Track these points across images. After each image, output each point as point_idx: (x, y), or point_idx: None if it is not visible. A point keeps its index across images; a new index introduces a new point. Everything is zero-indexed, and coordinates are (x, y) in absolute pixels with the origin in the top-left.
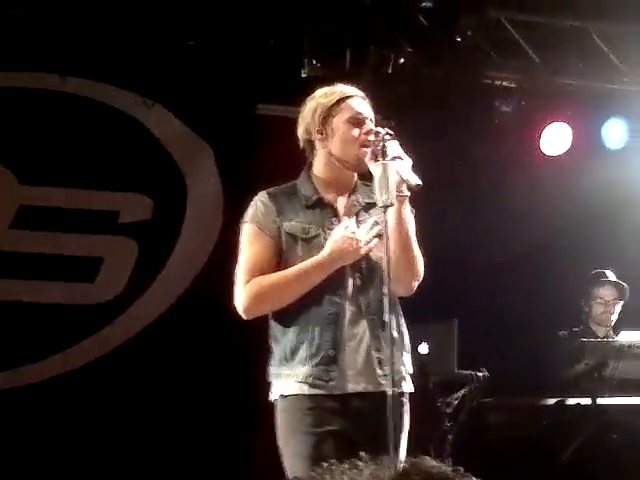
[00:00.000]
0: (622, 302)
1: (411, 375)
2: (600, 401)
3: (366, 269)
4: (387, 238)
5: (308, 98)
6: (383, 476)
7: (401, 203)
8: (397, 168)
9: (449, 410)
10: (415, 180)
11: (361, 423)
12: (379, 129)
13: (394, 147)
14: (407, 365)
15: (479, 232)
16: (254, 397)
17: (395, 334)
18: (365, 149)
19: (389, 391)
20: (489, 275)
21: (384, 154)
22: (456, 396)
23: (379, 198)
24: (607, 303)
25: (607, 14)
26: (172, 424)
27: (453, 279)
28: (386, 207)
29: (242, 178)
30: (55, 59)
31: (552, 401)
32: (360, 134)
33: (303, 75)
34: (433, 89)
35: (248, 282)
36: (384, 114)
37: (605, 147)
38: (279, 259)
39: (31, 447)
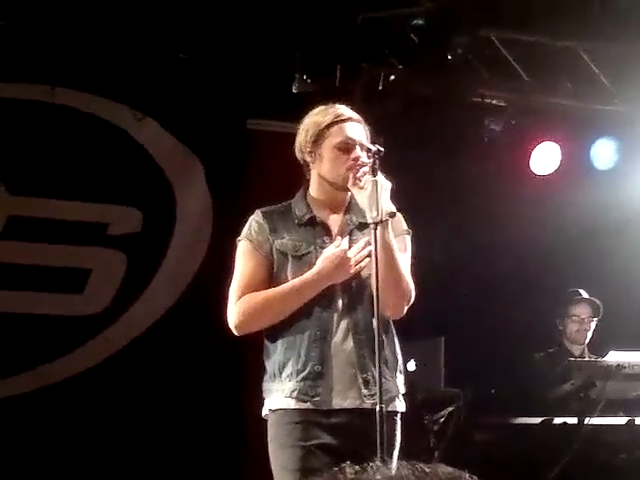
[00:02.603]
0: (596, 319)
1: (404, 395)
2: (587, 421)
3: (356, 288)
4: (375, 258)
5: (305, 116)
6: (403, 476)
7: (383, 228)
8: (380, 193)
9: (435, 427)
10: (390, 208)
11: (348, 438)
12: (370, 145)
13: (385, 180)
14: (399, 386)
15: (467, 250)
16: (244, 410)
17: (386, 354)
18: (352, 174)
19: (377, 408)
20: (476, 293)
21: (374, 171)
22: (442, 413)
23: (369, 214)
24: (582, 321)
25: (598, 35)
26: (161, 436)
27: (440, 296)
28: (376, 224)
29: (232, 192)
30: (45, 70)
31: (538, 420)
32: (348, 160)
33: (294, 90)
34: (423, 106)
35: (239, 299)
36: (374, 131)
37: (594, 167)
38: (271, 276)
39: (21, 456)
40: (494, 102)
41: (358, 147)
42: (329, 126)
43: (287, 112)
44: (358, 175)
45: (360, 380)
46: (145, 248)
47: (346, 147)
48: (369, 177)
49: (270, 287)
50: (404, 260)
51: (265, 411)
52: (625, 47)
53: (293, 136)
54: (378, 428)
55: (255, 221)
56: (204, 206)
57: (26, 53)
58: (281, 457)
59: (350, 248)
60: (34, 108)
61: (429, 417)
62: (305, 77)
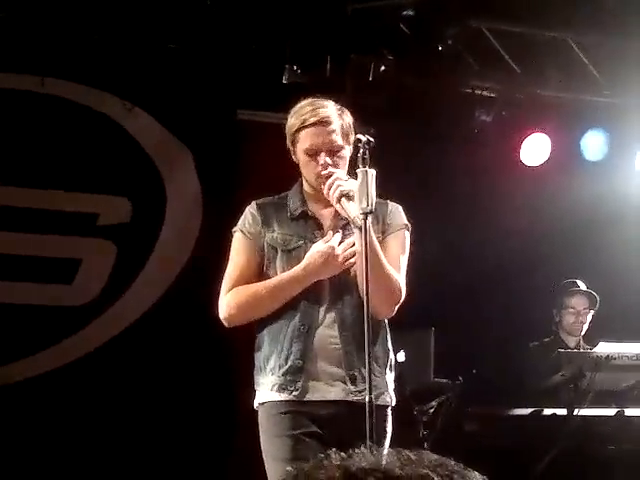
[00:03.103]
0: (593, 311)
1: (394, 390)
2: (576, 412)
3: (344, 284)
4: (365, 250)
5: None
6: (389, 462)
7: (366, 228)
8: (345, 206)
9: (425, 418)
10: (358, 220)
11: (336, 429)
12: (359, 136)
13: (349, 184)
14: (389, 382)
15: (458, 241)
16: (235, 401)
17: (377, 351)
18: (320, 180)
19: (366, 399)
20: (466, 284)
21: (364, 161)
22: (432, 404)
23: (359, 205)
24: (578, 313)
25: (588, 26)
26: (151, 427)
27: (430, 288)
28: (366, 214)
29: (221, 182)
30: (35, 61)
31: (528, 411)
32: (316, 166)
33: (284, 81)
34: (414, 97)
35: (229, 291)
36: (364, 121)
37: (584, 158)
38: (262, 269)
39: (11, 445)
40: (484, 93)
41: (323, 154)
42: (298, 131)
43: (277, 103)
44: (327, 183)
45: (346, 377)
46: (135, 238)
47: (313, 153)
48: (360, 168)
49: (262, 279)
50: (398, 257)
51: (255, 404)
52: (615, 38)
53: (283, 127)
54: (367, 419)
55: (250, 212)
56: (194, 196)
57: (16, 44)
58: (271, 448)
59: (341, 243)
60: (24, 98)
61: (419, 408)
62: (295, 68)
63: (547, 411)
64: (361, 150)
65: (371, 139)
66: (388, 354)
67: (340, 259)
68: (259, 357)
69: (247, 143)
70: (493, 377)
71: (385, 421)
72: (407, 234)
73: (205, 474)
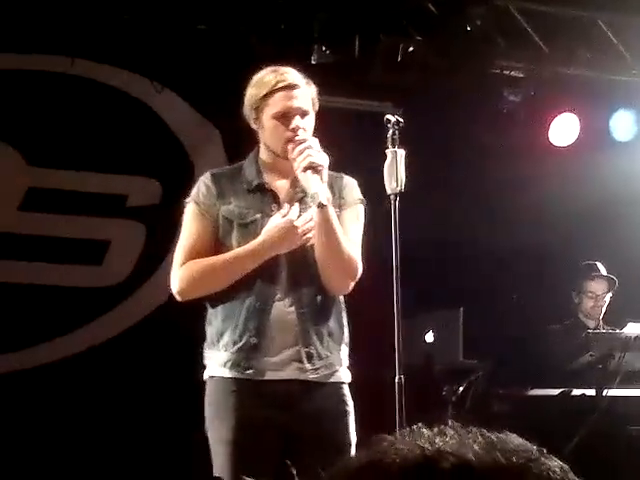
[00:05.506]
0: (611, 293)
1: (348, 367)
2: (605, 392)
3: (301, 260)
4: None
5: (253, 77)
6: (470, 445)
7: (324, 207)
8: (309, 179)
9: (454, 399)
10: (321, 199)
11: (285, 410)
12: (389, 116)
13: (320, 157)
14: (343, 358)
15: (485, 221)
16: None
17: (331, 326)
18: (291, 145)
19: (396, 379)
20: (495, 264)
21: (394, 142)
22: (461, 385)
23: (388, 186)
24: (597, 297)
25: (616, 5)
26: (176, 410)
27: (459, 268)
28: (396, 195)
29: None
30: (64, 42)
31: (557, 392)
32: (286, 130)
33: (313, 62)
34: (442, 78)
35: (183, 264)
36: (393, 102)
37: (613, 138)
38: (217, 242)
39: (38, 427)
40: (512, 73)
41: (298, 116)
42: (267, 96)
43: None
44: (298, 148)
45: (303, 354)
46: (164, 219)
47: (284, 116)
48: (390, 148)
49: (215, 253)
50: (354, 232)
51: (205, 376)
52: None
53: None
54: (397, 399)
55: (203, 183)
56: None
57: (46, 25)
58: (215, 427)
59: (299, 217)
60: (53, 80)
61: (447, 388)
62: (324, 48)
63: (576, 392)
64: (390, 130)
65: (400, 119)
66: (343, 329)
67: (298, 234)
68: (211, 331)
69: None
70: (519, 358)
71: (344, 400)
72: (362, 209)
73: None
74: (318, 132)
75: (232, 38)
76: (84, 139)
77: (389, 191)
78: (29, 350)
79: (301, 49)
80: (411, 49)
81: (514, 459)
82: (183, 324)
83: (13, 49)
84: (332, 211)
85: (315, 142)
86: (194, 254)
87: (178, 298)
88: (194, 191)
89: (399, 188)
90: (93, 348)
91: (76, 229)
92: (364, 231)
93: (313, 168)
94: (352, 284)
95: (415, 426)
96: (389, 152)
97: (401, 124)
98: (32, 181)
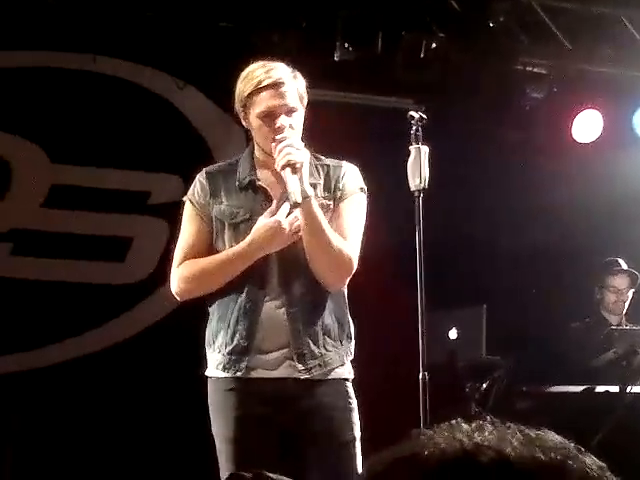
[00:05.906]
0: (633, 289)
1: (352, 362)
2: (629, 389)
3: (292, 258)
4: (419, 227)
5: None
6: (509, 440)
7: (309, 202)
8: (287, 177)
9: (477, 395)
10: (296, 197)
11: (281, 408)
12: (412, 113)
13: (299, 155)
14: (345, 354)
15: (508, 218)
16: None
17: (328, 323)
18: (273, 144)
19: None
20: (517, 261)
21: (417, 138)
22: (484, 382)
23: (411, 183)
24: (620, 292)
25: (639, 1)
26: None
27: (482, 264)
28: (419, 192)
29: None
30: (87, 39)
31: (580, 388)
32: (271, 130)
33: (335, 59)
34: (464, 74)
35: (180, 264)
36: (415, 99)
37: (636, 135)
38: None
39: (65, 423)
40: (535, 70)
41: (283, 115)
42: (252, 94)
43: (328, 80)
44: (278, 147)
45: (294, 355)
46: None
47: (268, 116)
48: (413, 145)
49: (212, 253)
50: (351, 225)
51: (206, 373)
52: None
53: (334, 104)
54: (421, 396)
55: (199, 182)
56: None
57: (68, 22)
58: (216, 424)
59: (288, 215)
60: (76, 77)
61: (471, 385)
62: (346, 45)
63: (599, 388)
64: (414, 127)
65: (424, 116)
66: (343, 326)
67: (287, 233)
68: (209, 331)
69: None
70: (542, 355)
71: (344, 396)
72: (363, 197)
73: None
74: (340, 128)
75: (254, 35)
76: (107, 136)
77: (412, 188)
78: (50, 347)
79: (324, 46)
80: (433, 46)
81: (553, 455)
82: (206, 320)
83: (36, 47)
84: (316, 207)
85: (296, 139)
86: (191, 254)
87: (177, 298)
88: (190, 189)
89: (422, 185)
90: (116, 345)
91: (99, 226)
92: (386, 226)
93: (291, 166)
94: (347, 278)
95: (454, 420)
96: (412, 149)
97: (424, 120)
98: (55, 178)
